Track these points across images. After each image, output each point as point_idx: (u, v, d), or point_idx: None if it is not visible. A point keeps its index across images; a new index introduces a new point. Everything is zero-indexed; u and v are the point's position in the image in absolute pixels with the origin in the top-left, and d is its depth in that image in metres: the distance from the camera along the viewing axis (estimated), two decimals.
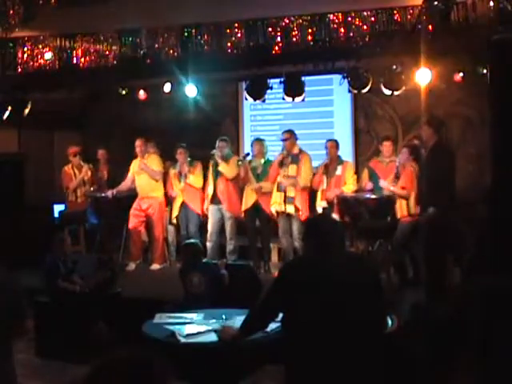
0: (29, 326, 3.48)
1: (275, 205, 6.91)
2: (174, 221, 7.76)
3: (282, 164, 6.88)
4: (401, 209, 6.30)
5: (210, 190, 7.40)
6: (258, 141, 7.42)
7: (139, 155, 7.67)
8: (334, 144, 7.13)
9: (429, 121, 5.97)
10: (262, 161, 7.26)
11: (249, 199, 7.18)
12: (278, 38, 6.09)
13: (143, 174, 7.63)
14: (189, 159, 7.64)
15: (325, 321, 2.71)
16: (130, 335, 4.97)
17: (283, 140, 6.94)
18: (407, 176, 6.31)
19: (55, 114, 8.75)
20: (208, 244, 7.26)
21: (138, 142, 7.63)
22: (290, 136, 6.94)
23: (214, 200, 7.38)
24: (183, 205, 7.63)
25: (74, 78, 7.17)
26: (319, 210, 6.99)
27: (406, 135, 8.35)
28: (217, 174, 7.35)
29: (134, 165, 7.72)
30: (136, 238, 7.67)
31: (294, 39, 6.03)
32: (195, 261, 5.36)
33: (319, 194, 7.06)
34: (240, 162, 7.22)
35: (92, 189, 8.11)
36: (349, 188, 6.93)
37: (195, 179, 7.55)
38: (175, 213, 7.68)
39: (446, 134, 7.63)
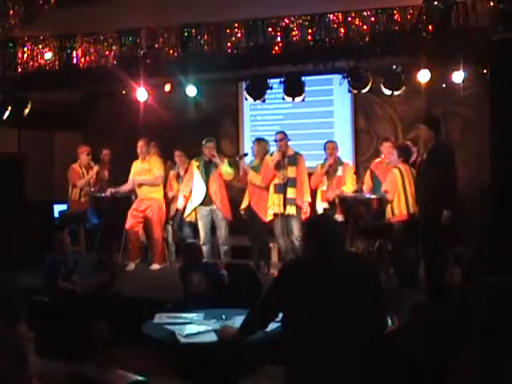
0: (22, 330, 3.47)
1: (273, 207, 6.87)
2: (170, 222, 7.77)
3: (279, 166, 6.85)
4: (391, 211, 6.27)
5: (199, 191, 7.21)
6: (259, 141, 7.34)
7: (140, 156, 7.64)
8: (336, 145, 7.12)
9: (426, 121, 5.94)
10: (259, 161, 7.16)
11: (246, 200, 7.16)
12: (278, 38, 6.09)
13: (143, 176, 7.60)
14: (187, 161, 7.62)
15: (325, 321, 2.71)
16: (130, 335, 4.98)
17: (278, 140, 6.90)
18: (390, 180, 6.31)
19: (55, 114, 8.75)
20: (203, 247, 7.21)
21: (140, 143, 7.60)
22: (283, 137, 6.91)
23: (205, 201, 7.23)
24: None
25: (74, 77, 7.17)
26: (320, 210, 6.97)
27: (406, 135, 8.35)
28: (207, 174, 7.25)
29: (135, 166, 7.71)
30: (133, 238, 7.66)
31: (294, 39, 6.04)
32: (195, 261, 5.36)
33: (319, 195, 7.05)
34: (237, 160, 7.21)
35: (93, 189, 8.09)
36: (348, 188, 6.93)
37: None
38: (172, 213, 7.70)
39: (446, 134, 7.64)
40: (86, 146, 8.30)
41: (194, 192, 7.29)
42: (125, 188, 7.74)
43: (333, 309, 2.71)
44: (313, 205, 7.01)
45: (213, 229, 7.35)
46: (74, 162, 8.11)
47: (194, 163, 7.35)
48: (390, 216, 6.28)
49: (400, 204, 6.21)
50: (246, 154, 7.59)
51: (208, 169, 7.23)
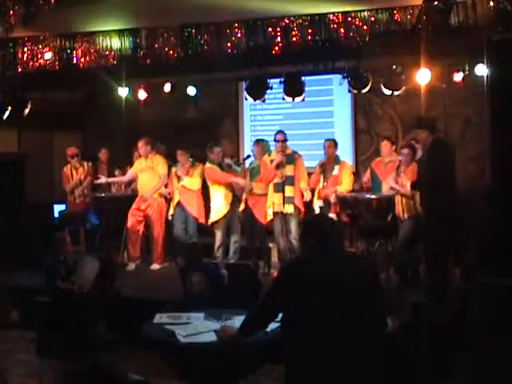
0: (13, 318, 3.49)
1: (274, 206, 6.86)
2: (170, 218, 7.77)
3: (279, 165, 6.85)
4: (407, 208, 6.23)
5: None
6: (259, 142, 7.33)
7: (143, 156, 7.66)
8: (332, 144, 7.09)
9: (420, 124, 5.92)
10: (259, 162, 7.13)
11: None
12: (278, 38, 6.09)
13: (146, 173, 7.63)
14: (191, 159, 7.61)
15: (324, 321, 2.70)
16: (130, 335, 4.98)
17: (281, 141, 6.89)
18: (412, 175, 6.25)
19: (55, 114, 8.75)
20: (220, 249, 7.22)
21: (139, 144, 7.61)
22: (285, 137, 6.91)
23: None
24: (179, 204, 7.61)
25: (74, 78, 7.18)
26: (316, 209, 6.97)
27: (406, 135, 8.34)
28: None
29: (139, 163, 7.72)
30: (134, 237, 7.66)
31: (294, 39, 6.03)
32: (195, 261, 5.35)
33: (316, 194, 7.03)
34: (239, 167, 7.20)
35: (85, 191, 8.12)
36: (344, 188, 6.88)
37: (191, 181, 7.49)
38: (171, 211, 7.70)
39: (446, 134, 7.64)
40: (73, 148, 8.30)
41: (217, 197, 7.26)
42: (122, 179, 7.81)
43: (332, 309, 2.71)
44: (310, 203, 7.01)
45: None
46: (66, 165, 8.20)
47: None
48: (401, 214, 6.24)
49: (408, 204, 6.19)
50: (248, 156, 7.59)
51: (222, 169, 7.25)
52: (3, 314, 3.34)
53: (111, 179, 7.89)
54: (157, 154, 7.74)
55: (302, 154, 7.07)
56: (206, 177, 7.29)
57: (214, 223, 7.22)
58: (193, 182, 7.50)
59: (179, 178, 7.62)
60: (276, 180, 6.86)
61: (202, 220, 7.53)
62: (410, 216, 6.16)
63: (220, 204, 7.17)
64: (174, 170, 7.73)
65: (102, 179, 7.82)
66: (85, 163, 8.24)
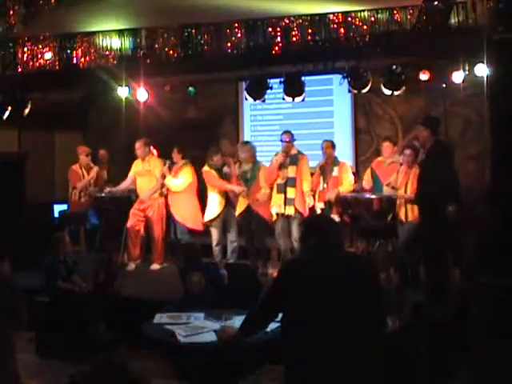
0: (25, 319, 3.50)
1: (275, 206, 6.87)
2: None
3: (282, 166, 6.84)
4: (411, 210, 6.21)
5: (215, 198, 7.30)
6: (247, 144, 7.30)
7: (140, 157, 7.63)
8: (330, 144, 7.07)
9: (424, 122, 5.92)
10: (250, 165, 7.08)
11: (241, 204, 7.12)
12: (278, 38, 6.10)
13: (145, 175, 7.62)
14: (184, 160, 7.55)
15: (324, 321, 2.71)
16: (130, 335, 4.99)
17: (286, 141, 6.88)
18: (416, 180, 6.21)
19: (55, 114, 8.75)
20: (216, 248, 7.24)
21: (137, 144, 7.58)
22: (291, 137, 6.91)
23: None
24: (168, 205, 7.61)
25: (74, 77, 7.18)
26: (318, 211, 6.95)
27: (406, 135, 8.34)
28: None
29: (136, 165, 7.71)
30: (134, 237, 7.64)
31: (294, 39, 6.04)
32: (195, 261, 5.35)
33: (317, 196, 7.02)
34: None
35: (92, 188, 8.11)
36: (345, 188, 6.87)
37: (174, 181, 7.42)
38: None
39: (446, 134, 7.65)
40: (85, 146, 8.31)
41: (211, 199, 7.26)
42: (123, 185, 7.76)
43: (332, 309, 2.71)
44: (313, 208, 6.99)
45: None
46: (74, 163, 8.13)
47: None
48: (404, 216, 6.21)
49: (413, 207, 6.17)
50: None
51: (220, 174, 7.22)
52: (22, 316, 3.34)
53: (114, 189, 7.82)
54: (153, 157, 7.71)
55: (305, 154, 7.03)
56: (204, 179, 7.30)
57: (208, 222, 7.24)
58: (176, 183, 7.42)
59: (164, 176, 7.52)
60: (278, 181, 6.87)
61: (189, 224, 7.45)
62: (412, 218, 6.14)
63: (214, 204, 7.19)
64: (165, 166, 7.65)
65: (106, 190, 7.81)
66: (94, 167, 8.20)
